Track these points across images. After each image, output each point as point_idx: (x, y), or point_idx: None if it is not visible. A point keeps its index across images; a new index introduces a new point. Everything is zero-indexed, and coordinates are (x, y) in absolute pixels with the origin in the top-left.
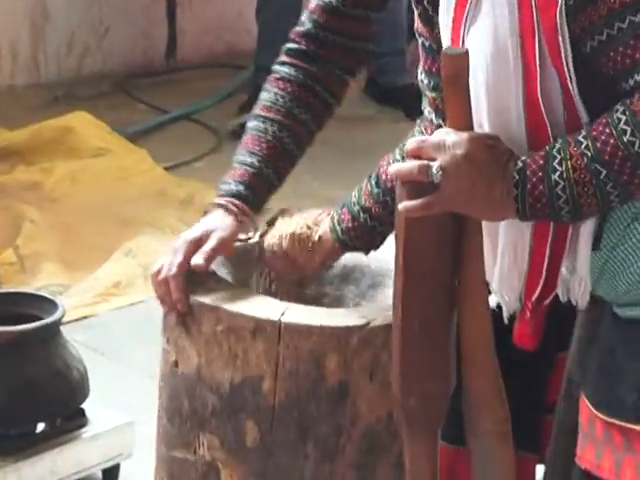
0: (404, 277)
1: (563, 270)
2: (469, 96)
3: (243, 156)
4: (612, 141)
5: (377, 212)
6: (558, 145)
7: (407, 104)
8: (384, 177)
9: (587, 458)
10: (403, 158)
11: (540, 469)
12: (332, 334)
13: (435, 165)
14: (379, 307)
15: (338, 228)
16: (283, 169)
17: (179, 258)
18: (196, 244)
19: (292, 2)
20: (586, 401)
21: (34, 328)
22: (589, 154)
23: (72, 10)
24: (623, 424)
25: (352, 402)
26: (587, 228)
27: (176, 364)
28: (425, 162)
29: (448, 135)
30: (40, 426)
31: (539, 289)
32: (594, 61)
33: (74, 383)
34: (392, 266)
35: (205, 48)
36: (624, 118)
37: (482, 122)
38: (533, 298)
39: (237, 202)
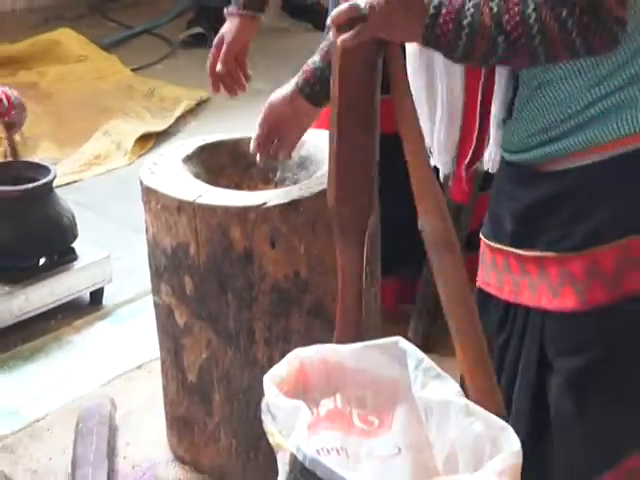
0: (338, 105)
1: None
2: None
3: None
4: (518, 18)
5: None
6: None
7: (314, 18)
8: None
9: (480, 278)
10: (323, 60)
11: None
12: (233, 212)
13: (363, 1)
14: (282, 191)
15: (307, 89)
16: None
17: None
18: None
19: None
20: (481, 236)
21: (34, 187)
22: (495, 19)
23: None
24: (503, 248)
25: (258, 263)
26: (499, 105)
27: (147, 232)
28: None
29: None
30: (41, 261)
31: (469, 156)
32: None
33: (65, 227)
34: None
35: None
36: (534, 15)
37: None
38: (464, 163)
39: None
